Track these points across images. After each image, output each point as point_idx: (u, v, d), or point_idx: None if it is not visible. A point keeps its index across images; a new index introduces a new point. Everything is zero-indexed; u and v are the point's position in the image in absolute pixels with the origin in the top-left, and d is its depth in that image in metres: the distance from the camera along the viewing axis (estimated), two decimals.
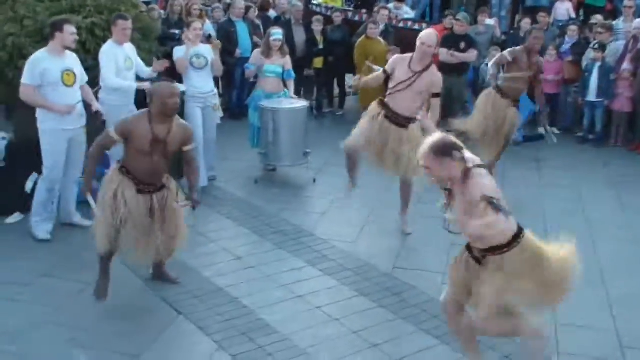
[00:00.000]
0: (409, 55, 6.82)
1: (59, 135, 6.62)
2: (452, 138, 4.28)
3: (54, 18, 6.93)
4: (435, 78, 6.73)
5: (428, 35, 6.69)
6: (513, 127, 8.29)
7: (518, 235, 4.31)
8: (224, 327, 5.35)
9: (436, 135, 4.28)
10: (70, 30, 6.54)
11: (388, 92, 6.86)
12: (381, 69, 7.15)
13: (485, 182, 4.15)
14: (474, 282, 4.41)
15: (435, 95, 6.75)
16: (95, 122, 6.91)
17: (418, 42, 6.65)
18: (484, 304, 4.33)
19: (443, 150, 4.14)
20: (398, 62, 6.79)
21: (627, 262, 6.76)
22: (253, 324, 5.42)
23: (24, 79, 6.52)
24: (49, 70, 6.47)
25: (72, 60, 6.74)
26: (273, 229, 7.23)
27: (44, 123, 6.62)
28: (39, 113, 6.64)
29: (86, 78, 6.94)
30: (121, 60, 7.40)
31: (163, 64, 7.82)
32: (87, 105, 6.92)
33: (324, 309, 5.69)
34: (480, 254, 4.37)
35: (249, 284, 6.07)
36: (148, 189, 5.55)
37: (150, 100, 5.43)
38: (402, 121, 6.77)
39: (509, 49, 8.36)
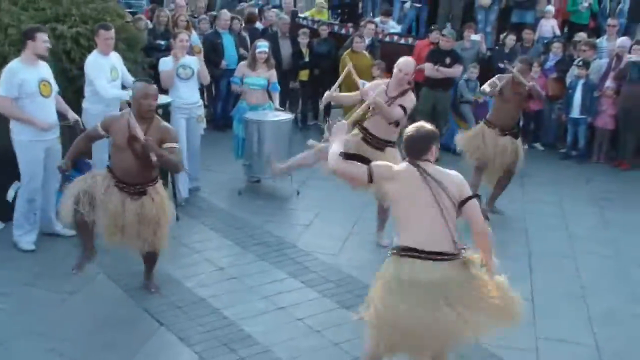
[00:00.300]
0: (387, 81, 6.93)
1: (35, 146, 6.56)
2: (424, 130, 4.29)
3: (26, 26, 6.87)
4: (407, 98, 6.77)
5: (406, 63, 6.73)
6: (510, 157, 8.04)
7: (396, 250, 4.28)
8: (206, 338, 5.33)
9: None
10: (42, 38, 6.47)
11: (368, 116, 6.87)
12: (362, 82, 7.19)
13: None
14: None
15: (400, 106, 6.68)
16: (75, 132, 6.86)
17: (395, 69, 6.73)
18: None
19: None
20: (375, 89, 6.82)
21: (608, 278, 6.81)
22: (234, 335, 5.40)
23: (1, 91, 6.42)
24: (27, 81, 6.41)
25: (46, 70, 6.68)
26: (256, 241, 7.22)
27: (20, 134, 6.54)
28: (13, 125, 6.56)
29: (57, 88, 6.85)
30: (107, 71, 7.37)
31: None
32: (60, 115, 6.87)
33: (306, 320, 5.67)
34: None
35: (231, 295, 6.05)
36: (126, 188, 5.61)
37: None
38: (379, 144, 6.84)
39: (498, 75, 8.17)
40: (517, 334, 5.46)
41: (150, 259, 5.94)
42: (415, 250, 4.17)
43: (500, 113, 8.04)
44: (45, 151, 6.64)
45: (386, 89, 6.76)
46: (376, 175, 4.25)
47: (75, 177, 6.64)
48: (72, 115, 6.94)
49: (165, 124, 5.85)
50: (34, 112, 6.49)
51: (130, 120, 5.48)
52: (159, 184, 5.83)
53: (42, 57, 6.57)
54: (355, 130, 6.93)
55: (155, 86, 5.79)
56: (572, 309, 6.11)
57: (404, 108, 6.68)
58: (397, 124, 6.73)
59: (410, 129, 4.34)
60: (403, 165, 4.31)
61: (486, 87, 8.18)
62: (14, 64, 6.49)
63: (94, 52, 7.42)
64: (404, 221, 4.27)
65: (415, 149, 4.28)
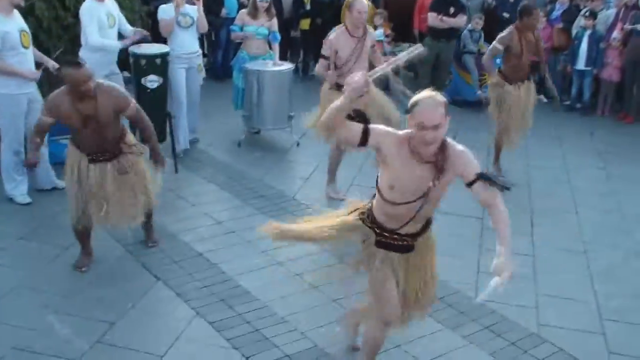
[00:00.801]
0: (339, 30, 6.79)
1: (18, 99, 6.42)
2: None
3: None
4: (371, 34, 6.89)
5: (361, 3, 6.65)
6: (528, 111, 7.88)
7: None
8: (203, 294, 5.28)
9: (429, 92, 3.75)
10: None
11: (339, 74, 6.70)
12: None
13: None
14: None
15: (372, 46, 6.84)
16: (51, 80, 6.72)
17: (354, 12, 6.62)
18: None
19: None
20: (335, 43, 6.71)
21: (610, 232, 6.74)
22: (232, 290, 5.35)
23: None
24: (9, 33, 6.21)
25: (21, 20, 6.47)
26: (255, 194, 7.14)
27: (2, 88, 6.36)
28: None
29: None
30: (103, 18, 7.18)
31: (141, 33, 7.59)
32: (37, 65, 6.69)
33: (304, 276, 5.61)
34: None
35: (229, 250, 5.99)
36: (101, 157, 5.33)
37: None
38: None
39: (498, 38, 7.74)
40: (518, 291, 5.45)
41: (146, 215, 5.78)
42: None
43: (514, 66, 7.75)
44: (28, 103, 6.51)
45: (349, 35, 6.70)
46: None
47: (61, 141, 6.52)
48: (52, 64, 6.74)
49: (108, 85, 5.30)
50: (16, 64, 6.32)
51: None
52: (135, 144, 5.53)
53: (17, 6, 6.36)
54: (335, 94, 6.76)
55: (85, 68, 5.06)
56: (573, 265, 6.05)
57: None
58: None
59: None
60: None
61: (486, 59, 7.98)
62: None
63: None
64: None
65: None
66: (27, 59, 6.43)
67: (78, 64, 5.10)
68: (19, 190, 6.67)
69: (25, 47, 6.39)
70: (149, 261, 5.73)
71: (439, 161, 3.69)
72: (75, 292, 5.23)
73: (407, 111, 3.66)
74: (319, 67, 6.92)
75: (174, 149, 7.59)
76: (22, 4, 6.40)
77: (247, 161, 8.06)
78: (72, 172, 5.33)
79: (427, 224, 4.03)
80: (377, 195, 3.94)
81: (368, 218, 4.04)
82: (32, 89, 6.54)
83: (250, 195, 7.11)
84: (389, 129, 3.83)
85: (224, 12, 10.96)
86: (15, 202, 6.64)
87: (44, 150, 6.81)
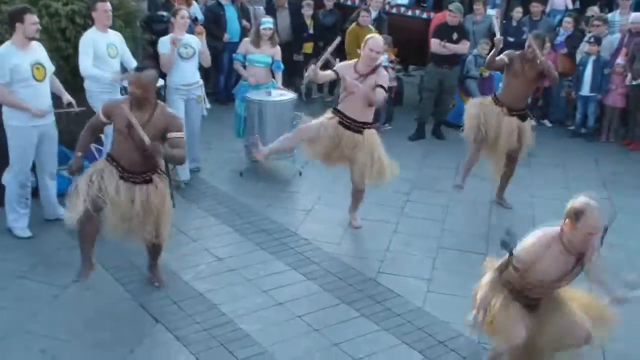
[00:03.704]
0: (353, 61, 6.85)
1: (28, 131, 6.38)
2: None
3: (12, 7, 6.59)
4: (381, 75, 6.74)
5: (375, 42, 6.69)
6: (512, 139, 7.59)
7: None
8: (203, 337, 5.20)
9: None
10: (31, 19, 6.19)
11: (340, 99, 6.83)
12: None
13: None
14: None
15: (380, 86, 6.65)
16: (68, 114, 6.71)
17: (366, 49, 6.64)
18: None
19: None
20: (346, 69, 6.72)
21: (615, 268, 6.62)
22: (232, 334, 5.26)
23: None
24: (19, 65, 6.18)
25: (40, 52, 6.45)
26: (256, 228, 7.07)
27: (12, 119, 6.35)
28: (5, 109, 6.38)
29: (53, 68, 6.63)
30: (103, 48, 7.15)
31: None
32: (55, 97, 6.67)
33: (305, 317, 5.54)
34: None
35: (229, 289, 5.91)
36: (132, 178, 5.43)
37: None
38: (356, 127, 6.74)
39: (506, 52, 7.65)
40: None
41: (155, 250, 5.80)
42: None
43: (509, 89, 7.60)
44: (39, 136, 6.47)
45: (355, 68, 6.71)
46: None
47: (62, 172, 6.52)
48: (66, 97, 6.68)
49: (170, 111, 5.65)
50: (27, 97, 6.28)
51: (130, 118, 5.26)
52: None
53: (32, 39, 6.33)
54: (330, 114, 6.83)
55: (149, 73, 5.41)
56: None
57: (383, 87, 6.67)
58: (371, 104, 6.72)
59: None
60: None
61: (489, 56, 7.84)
62: (5, 47, 6.25)
63: (91, 29, 7.22)
64: None
65: None
66: (39, 92, 6.37)
67: (144, 68, 5.50)
68: (20, 223, 6.62)
69: (38, 80, 6.34)
70: (148, 302, 5.66)
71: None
72: (74, 336, 5.14)
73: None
74: (324, 72, 6.81)
75: (170, 182, 7.49)
76: (37, 36, 6.34)
77: (248, 192, 7.99)
78: (90, 178, 5.39)
79: None
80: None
81: None
82: (45, 122, 6.47)
83: (252, 229, 7.03)
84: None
85: (226, 36, 10.92)
86: (16, 236, 6.57)
87: (51, 182, 6.78)
